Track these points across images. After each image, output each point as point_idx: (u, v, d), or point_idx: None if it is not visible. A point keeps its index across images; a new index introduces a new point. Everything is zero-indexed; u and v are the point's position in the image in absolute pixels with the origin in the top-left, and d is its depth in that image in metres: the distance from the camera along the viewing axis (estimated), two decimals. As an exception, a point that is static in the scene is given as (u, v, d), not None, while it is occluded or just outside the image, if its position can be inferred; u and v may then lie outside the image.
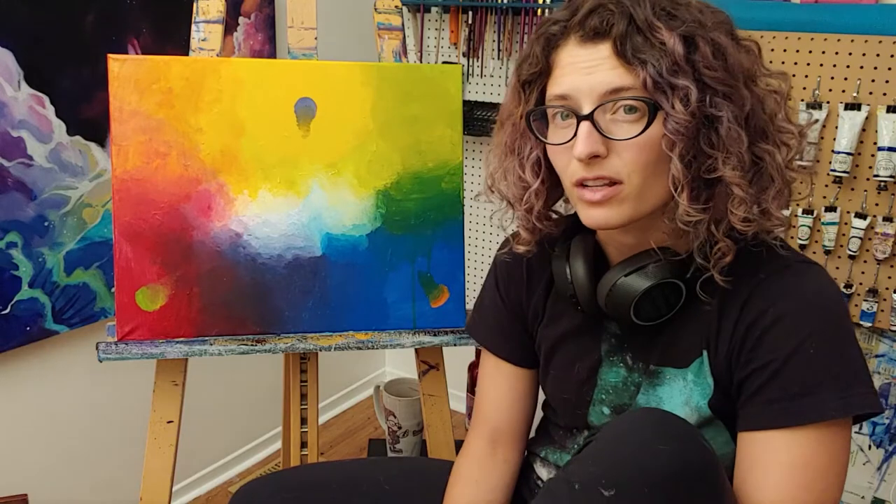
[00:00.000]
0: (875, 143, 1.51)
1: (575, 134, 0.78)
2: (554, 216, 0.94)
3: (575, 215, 0.94)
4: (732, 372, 0.83)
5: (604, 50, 0.77)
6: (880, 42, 1.48)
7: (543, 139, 0.84)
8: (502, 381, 1.04)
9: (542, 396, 1.07)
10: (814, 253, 1.63)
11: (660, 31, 0.75)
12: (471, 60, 2.04)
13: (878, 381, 1.65)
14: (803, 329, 0.78)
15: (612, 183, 0.79)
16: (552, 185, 0.88)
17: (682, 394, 0.86)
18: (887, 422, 1.66)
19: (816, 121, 1.54)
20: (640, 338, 0.90)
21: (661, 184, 0.79)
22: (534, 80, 0.85)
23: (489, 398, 1.04)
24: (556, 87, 0.81)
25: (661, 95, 0.75)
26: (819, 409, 0.77)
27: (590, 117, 0.77)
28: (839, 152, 1.53)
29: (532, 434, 1.09)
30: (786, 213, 0.84)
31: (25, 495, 1.53)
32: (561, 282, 0.91)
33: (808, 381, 0.77)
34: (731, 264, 0.80)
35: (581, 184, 0.80)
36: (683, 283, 0.83)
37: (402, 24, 1.33)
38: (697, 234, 0.80)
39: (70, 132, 1.52)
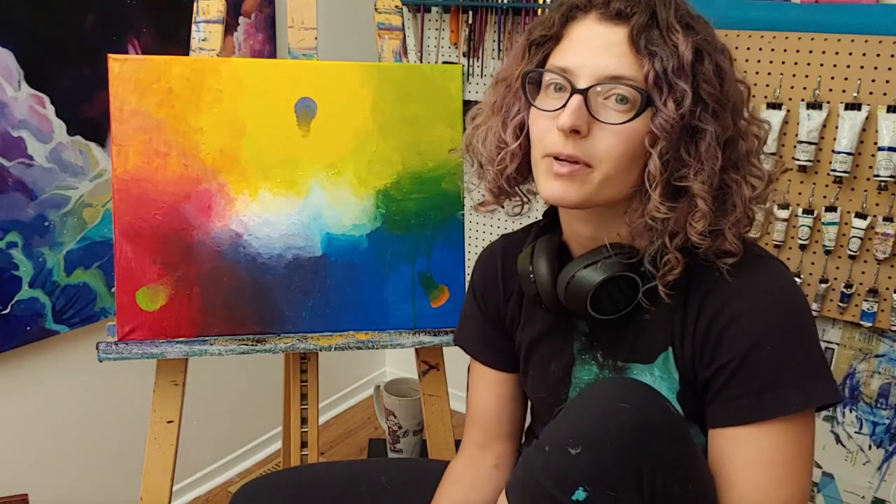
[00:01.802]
0: (875, 143, 1.51)
1: (564, 105, 0.79)
2: (520, 192, 0.95)
3: (542, 220, 0.97)
4: (696, 370, 0.85)
5: (619, 34, 0.79)
6: (880, 42, 1.48)
7: (532, 101, 0.85)
8: (488, 386, 1.05)
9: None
10: (814, 253, 1.63)
11: (676, 34, 0.78)
12: (471, 60, 2.04)
13: (877, 382, 1.65)
14: (759, 326, 0.80)
15: (583, 164, 0.80)
16: (528, 152, 0.89)
17: None
18: (887, 422, 1.66)
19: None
20: (607, 335, 0.92)
21: (627, 179, 0.81)
22: (542, 43, 0.85)
23: (477, 403, 1.06)
24: (560, 59, 0.82)
25: (657, 92, 0.77)
26: (780, 404, 0.79)
27: (584, 92, 0.78)
28: (839, 152, 1.53)
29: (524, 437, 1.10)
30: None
31: (25, 495, 1.53)
32: (525, 281, 0.92)
33: (767, 377, 0.79)
34: (687, 264, 0.82)
35: (553, 156, 0.81)
36: (640, 277, 0.85)
37: (402, 24, 1.33)
38: (654, 237, 0.82)
39: (70, 132, 1.52)
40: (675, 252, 0.81)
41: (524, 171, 0.92)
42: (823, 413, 1.73)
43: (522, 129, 0.88)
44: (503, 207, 0.97)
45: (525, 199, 0.97)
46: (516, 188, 0.95)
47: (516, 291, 1.01)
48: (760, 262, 0.85)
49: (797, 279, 1.63)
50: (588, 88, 0.78)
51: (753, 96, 1.45)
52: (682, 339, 0.85)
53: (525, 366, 1.01)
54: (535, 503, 0.74)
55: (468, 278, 1.12)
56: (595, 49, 0.79)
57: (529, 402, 1.08)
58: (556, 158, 0.81)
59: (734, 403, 0.81)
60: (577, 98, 0.78)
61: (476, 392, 1.07)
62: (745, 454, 0.80)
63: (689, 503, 0.75)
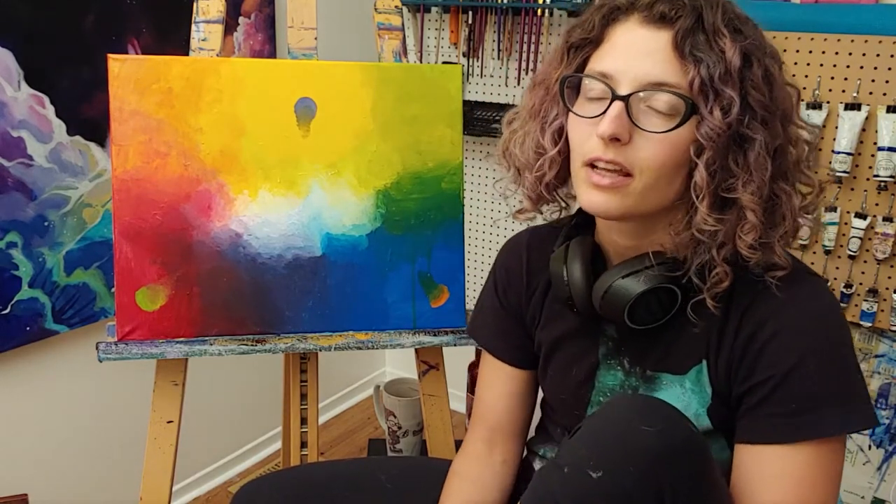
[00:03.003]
0: (875, 143, 1.51)
1: (604, 112, 0.77)
2: (557, 199, 0.93)
3: (574, 218, 0.94)
4: (731, 384, 0.83)
5: (662, 38, 0.76)
6: (880, 42, 1.48)
7: (570, 107, 0.82)
8: (500, 382, 1.04)
9: (540, 394, 1.07)
10: (814, 253, 1.63)
11: (723, 39, 0.75)
12: (471, 60, 2.04)
13: (877, 382, 1.65)
14: (803, 345, 0.78)
15: (623, 173, 0.78)
16: (567, 158, 0.86)
17: (681, 401, 0.86)
18: (887, 422, 1.66)
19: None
20: (637, 342, 0.90)
21: (670, 189, 0.79)
22: (582, 46, 0.83)
23: (487, 398, 1.05)
24: (600, 63, 0.80)
25: (703, 99, 0.75)
26: (817, 426, 0.77)
27: (625, 99, 0.76)
28: (839, 152, 1.53)
29: (531, 433, 1.09)
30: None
31: (25, 495, 1.53)
32: (558, 283, 0.90)
33: (807, 398, 0.77)
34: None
35: (592, 164, 0.79)
36: (679, 288, 0.83)
37: (402, 24, 1.33)
38: (700, 249, 0.79)
39: (70, 132, 1.52)
40: (724, 265, 0.78)
41: (563, 176, 0.89)
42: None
43: (561, 135, 0.86)
44: (542, 213, 0.95)
45: (564, 205, 0.95)
46: (554, 194, 0.92)
47: (540, 288, 0.99)
48: (807, 280, 0.82)
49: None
50: (629, 95, 0.76)
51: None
52: (718, 352, 0.83)
53: (545, 365, 0.99)
54: None
55: (468, 278, 1.11)
56: (637, 54, 0.77)
57: (539, 401, 1.08)
58: (595, 167, 0.79)
59: (770, 421, 0.79)
60: (617, 105, 0.76)
61: (486, 387, 1.05)
62: (772, 471, 0.79)
63: None
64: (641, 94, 0.76)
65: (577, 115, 0.81)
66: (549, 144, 0.86)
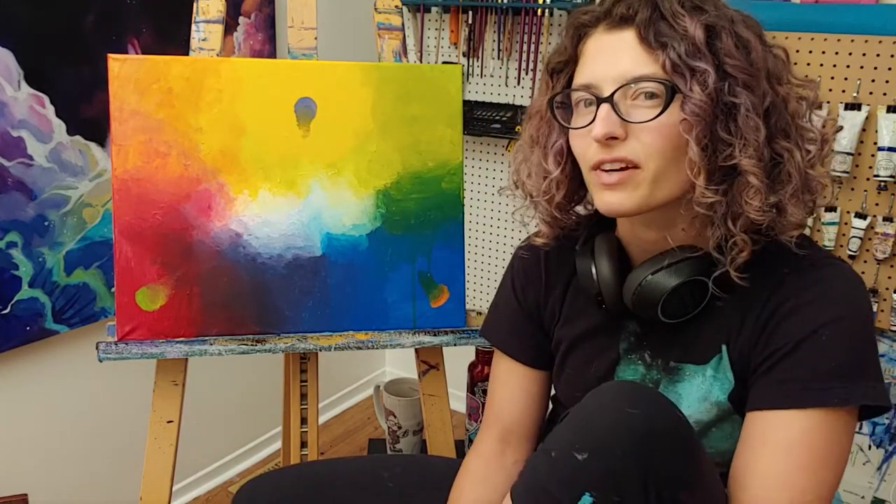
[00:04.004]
0: (875, 143, 1.51)
1: (594, 118, 0.80)
2: (574, 216, 0.95)
3: (596, 214, 0.95)
4: (751, 360, 0.84)
5: (628, 36, 0.80)
6: (880, 42, 1.48)
7: (566, 124, 0.86)
8: (514, 382, 1.04)
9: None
10: (814, 253, 1.63)
11: (683, 19, 0.77)
12: (471, 60, 2.04)
13: (878, 381, 1.65)
14: (820, 317, 0.79)
15: (630, 167, 0.80)
16: (574, 177, 0.90)
17: (701, 389, 0.87)
18: (887, 422, 1.66)
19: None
20: (659, 335, 0.91)
21: (679, 171, 0.80)
22: (561, 69, 0.88)
23: (501, 398, 1.05)
24: (581, 77, 0.84)
25: (680, 79, 0.77)
26: (822, 395, 0.78)
27: (609, 100, 0.79)
28: (839, 152, 1.53)
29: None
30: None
31: (25, 495, 1.53)
32: (586, 279, 0.92)
33: (816, 367, 0.78)
34: (753, 263, 0.81)
35: (598, 167, 0.81)
36: (709, 276, 0.84)
37: (402, 24, 1.33)
38: (714, 223, 0.81)
39: (70, 132, 1.52)
40: (741, 234, 0.80)
41: (572, 196, 0.93)
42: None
43: (563, 156, 0.89)
44: (558, 238, 0.96)
45: (577, 216, 0.97)
46: (570, 213, 0.95)
47: (560, 286, 1.00)
48: (835, 264, 0.84)
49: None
50: (612, 95, 0.79)
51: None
52: (738, 338, 0.84)
53: (561, 363, 1.00)
54: None
55: (468, 278, 1.11)
56: (610, 57, 0.81)
57: (551, 404, 1.08)
58: (602, 169, 0.81)
59: (778, 387, 0.80)
60: (604, 106, 0.79)
61: (500, 387, 1.05)
62: (776, 435, 0.79)
63: None
64: (623, 90, 0.79)
65: (572, 128, 0.85)
66: (553, 167, 0.89)
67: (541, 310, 1.02)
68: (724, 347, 0.86)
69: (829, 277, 0.82)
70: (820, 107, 0.85)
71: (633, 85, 0.79)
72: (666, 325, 0.87)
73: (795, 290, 0.81)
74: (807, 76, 0.86)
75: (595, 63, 0.82)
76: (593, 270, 0.90)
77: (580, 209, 0.97)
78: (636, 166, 0.80)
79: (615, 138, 0.79)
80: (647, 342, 0.92)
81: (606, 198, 0.82)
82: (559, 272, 0.99)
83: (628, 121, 0.79)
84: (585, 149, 0.83)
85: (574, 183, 0.91)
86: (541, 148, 0.91)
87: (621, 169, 0.80)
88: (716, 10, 0.79)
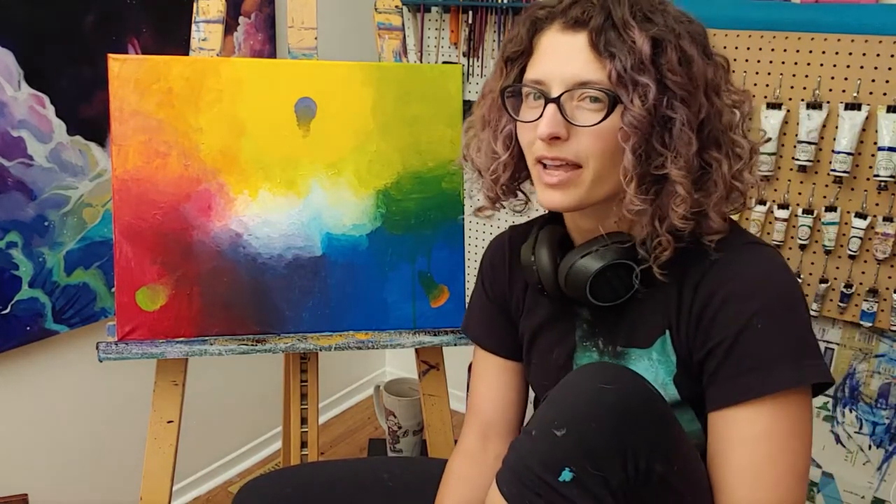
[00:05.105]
0: (875, 143, 1.51)
1: (541, 115, 0.83)
2: (516, 194, 0.99)
3: (546, 213, 1.00)
4: (692, 352, 0.86)
5: (580, 40, 0.82)
6: (880, 42, 1.48)
7: (514, 115, 0.89)
8: (492, 375, 1.06)
9: (531, 394, 1.08)
10: (814, 252, 1.63)
11: (632, 30, 0.80)
12: (471, 60, 2.04)
13: (877, 382, 1.65)
14: (750, 307, 0.81)
15: (572, 166, 0.83)
16: (520, 160, 0.93)
17: (649, 372, 0.89)
18: (887, 422, 1.66)
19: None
20: (608, 321, 0.94)
21: (617, 173, 0.83)
22: (516, 58, 0.90)
23: (480, 392, 1.07)
24: (532, 72, 0.87)
25: (623, 90, 0.80)
26: (772, 381, 0.80)
27: (556, 101, 0.82)
28: (839, 152, 1.53)
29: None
30: (735, 216, 0.88)
31: (25, 495, 1.53)
32: (527, 269, 0.95)
33: (759, 356, 0.81)
34: (681, 250, 0.84)
35: (541, 162, 0.85)
36: (637, 264, 0.87)
37: (402, 24, 1.33)
38: (642, 224, 0.85)
39: (70, 132, 1.52)
40: (666, 234, 0.84)
41: (518, 176, 0.96)
42: (823, 413, 1.73)
43: (511, 140, 0.92)
44: (499, 211, 1.00)
45: (527, 199, 1.00)
46: (516, 190, 0.98)
47: (521, 280, 1.02)
48: (753, 248, 0.87)
49: (798, 279, 1.63)
50: (559, 97, 0.82)
51: (753, 96, 1.46)
52: (678, 323, 0.87)
53: (528, 354, 1.02)
54: (523, 486, 0.75)
55: (468, 278, 1.13)
56: (561, 58, 0.83)
57: (532, 397, 1.09)
58: (545, 166, 0.85)
59: (728, 383, 0.82)
60: (551, 107, 0.82)
61: (478, 381, 1.08)
62: (738, 433, 0.82)
63: (673, 482, 0.76)
64: (570, 93, 0.82)
65: (520, 121, 0.88)
66: (502, 149, 0.93)
67: (507, 302, 1.05)
68: (667, 331, 0.88)
69: (752, 264, 0.85)
70: (751, 118, 0.89)
71: (579, 90, 0.81)
72: (612, 311, 0.90)
73: (721, 281, 0.84)
74: (743, 87, 0.90)
75: (547, 61, 0.85)
76: (532, 259, 0.94)
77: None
78: (577, 166, 0.83)
79: (559, 138, 0.82)
80: (598, 329, 0.95)
81: (548, 196, 0.86)
82: (520, 267, 1.02)
83: (573, 123, 0.82)
84: (531, 142, 0.86)
85: (520, 164, 0.94)
86: (491, 130, 0.94)
87: (563, 167, 0.83)
88: (664, 21, 0.81)
